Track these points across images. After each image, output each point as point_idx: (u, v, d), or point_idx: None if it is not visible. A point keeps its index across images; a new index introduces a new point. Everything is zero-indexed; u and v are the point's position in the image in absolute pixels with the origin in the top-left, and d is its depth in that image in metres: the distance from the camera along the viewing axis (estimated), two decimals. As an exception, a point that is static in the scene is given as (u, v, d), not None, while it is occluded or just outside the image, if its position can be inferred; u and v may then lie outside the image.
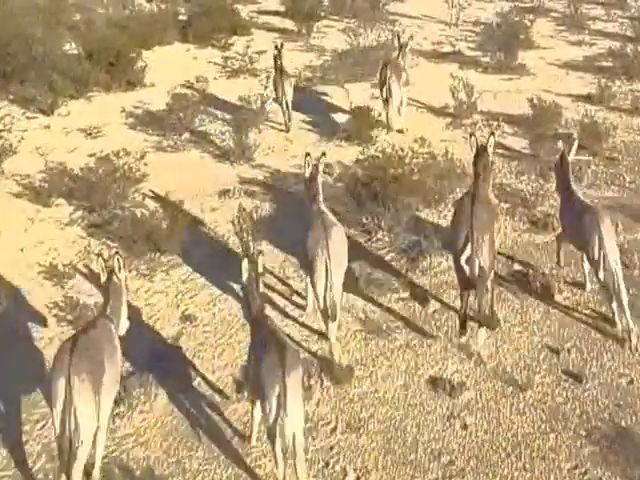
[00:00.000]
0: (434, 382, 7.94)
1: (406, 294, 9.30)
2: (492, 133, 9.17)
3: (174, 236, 10.01)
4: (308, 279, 8.54)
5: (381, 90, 13.41)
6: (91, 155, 11.78)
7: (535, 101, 14.16)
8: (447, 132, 13.77)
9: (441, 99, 14.80)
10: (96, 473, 6.66)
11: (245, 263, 7.15)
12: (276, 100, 13.75)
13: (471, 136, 8.93)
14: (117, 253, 7.31)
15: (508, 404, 7.69)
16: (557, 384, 7.94)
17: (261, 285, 7.18)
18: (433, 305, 9.11)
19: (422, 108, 14.76)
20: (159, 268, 9.72)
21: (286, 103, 13.50)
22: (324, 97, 15.20)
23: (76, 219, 10.79)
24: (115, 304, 7.05)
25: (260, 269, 7.15)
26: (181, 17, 20.27)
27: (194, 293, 9.30)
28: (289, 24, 19.91)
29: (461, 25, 20.22)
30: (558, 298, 9.17)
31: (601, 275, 8.39)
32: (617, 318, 8.53)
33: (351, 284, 9.42)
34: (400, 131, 13.49)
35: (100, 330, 6.75)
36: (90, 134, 13.46)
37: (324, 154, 9.19)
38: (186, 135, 13.37)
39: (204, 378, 8.00)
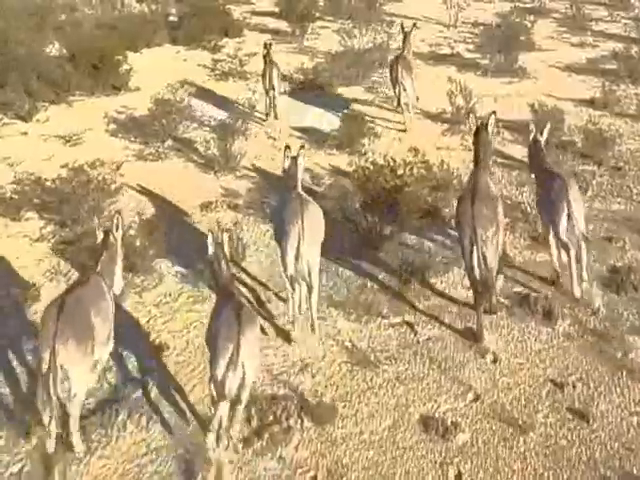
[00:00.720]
0: (426, 422, 7.07)
1: (397, 319, 8.43)
2: (493, 112, 8.63)
3: (149, 255, 9.18)
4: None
5: (394, 86, 13.21)
6: (64, 166, 10.88)
7: (536, 106, 13.31)
8: (444, 139, 12.92)
9: (438, 104, 13.95)
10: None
11: (210, 238, 7.07)
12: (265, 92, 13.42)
13: (469, 114, 8.73)
14: (118, 212, 7.30)
15: (507, 448, 6.81)
16: (561, 424, 7.06)
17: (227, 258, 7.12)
18: (426, 332, 8.26)
19: (418, 113, 13.90)
20: (131, 290, 8.86)
21: (272, 92, 13.23)
22: (316, 101, 14.34)
23: (46, 235, 9.95)
24: (109, 263, 7.05)
25: (226, 246, 7.13)
26: (172, 18, 19.44)
27: (167, 318, 8.45)
28: (283, 25, 19.08)
29: (460, 26, 19.38)
30: (562, 324, 8.32)
31: (564, 236, 8.40)
32: (575, 284, 8.47)
33: (338, 306, 8.62)
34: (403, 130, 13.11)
35: (91, 287, 6.74)
36: (68, 141, 12.61)
37: (303, 147, 8.80)
38: (169, 143, 12.52)
39: (174, 416, 7.16)
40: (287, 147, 8.66)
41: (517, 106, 14.12)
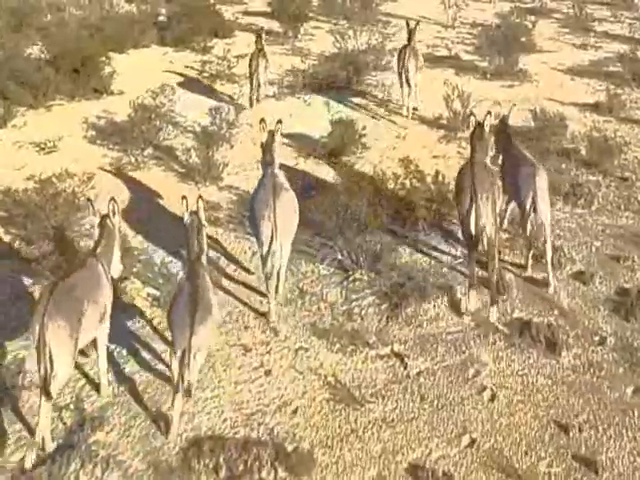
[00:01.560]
0: (415, 472, 6.20)
1: (386, 350, 7.57)
2: (489, 112, 8.78)
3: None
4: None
5: (400, 75, 12.98)
6: (33, 176, 10.03)
7: (538, 112, 12.45)
8: (440, 146, 12.04)
9: (435, 108, 13.10)
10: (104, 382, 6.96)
11: (185, 204, 7.05)
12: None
13: (470, 115, 8.84)
14: (112, 199, 7.25)
15: (506, 505, 6.01)
16: (566, 474, 6.22)
17: (204, 234, 7.14)
18: (417, 365, 7.40)
19: (414, 119, 13.04)
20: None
21: (257, 81, 13.15)
22: (305, 106, 13.48)
23: (9, 253, 9.10)
24: (107, 247, 7.07)
25: (203, 220, 7.12)
26: (161, 18, 18.56)
27: (132, 351, 7.60)
28: (275, 25, 18.17)
29: (458, 27, 18.50)
30: (566, 355, 7.47)
31: (530, 221, 8.38)
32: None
33: (321, 336, 7.77)
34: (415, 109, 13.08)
35: (87, 270, 6.80)
36: (43, 149, 11.73)
37: (280, 121, 8.50)
38: (149, 150, 11.66)
39: (135, 463, 6.32)
40: (262, 120, 8.43)
41: (518, 110, 13.22)
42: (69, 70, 13.93)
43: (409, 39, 13.05)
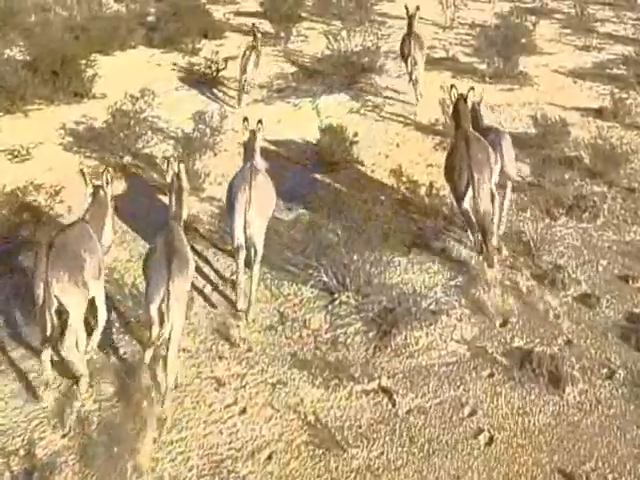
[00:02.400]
0: (402, 532, 5.49)
1: (372, 385, 6.79)
2: (472, 88, 9.06)
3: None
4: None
5: (405, 62, 12.81)
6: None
7: (539, 117, 11.65)
8: (436, 154, 11.19)
9: (431, 113, 12.31)
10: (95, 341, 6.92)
11: (166, 166, 7.38)
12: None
13: (452, 88, 8.96)
14: (106, 168, 7.44)
15: None
16: (573, 534, 5.49)
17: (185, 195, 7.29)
18: (407, 402, 6.62)
19: (409, 124, 12.25)
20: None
21: (245, 77, 12.92)
22: (295, 111, 12.68)
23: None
24: (98, 215, 7.15)
25: (184, 182, 7.31)
26: (150, 18, 17.76)
27: (91, 386, 6.83)
28: (268, 26, 17.34)
29: (456, 28, 17.64)
30: (571, 391, 6.69)
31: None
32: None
33: (302, 368, 6.99)
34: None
35: (78, 229, 6.87)
36: (16, 156, 10.96)
37: (261, 121, 8.53)
38: (127, 159, 10.88)
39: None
40: (245, 119, 8.51)
41: (517, 116, 12.49)
42: (48, 73, 13.13)
43: (410, 25, 12.86)
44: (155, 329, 6.28)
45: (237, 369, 6.97)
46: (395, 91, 13.49)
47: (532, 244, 8.61)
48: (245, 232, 7.56)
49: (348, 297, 7.82)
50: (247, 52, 13.04)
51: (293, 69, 14.50)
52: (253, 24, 14.04)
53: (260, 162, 8.29)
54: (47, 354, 6.43)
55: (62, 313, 6.38)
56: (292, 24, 16.90)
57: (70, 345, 6.43)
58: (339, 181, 9.90)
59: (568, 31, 17.57)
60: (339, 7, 18.32)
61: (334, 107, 12.72)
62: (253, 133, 8.45)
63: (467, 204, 7.98)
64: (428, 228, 8.68)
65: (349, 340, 7.32)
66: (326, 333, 7.42)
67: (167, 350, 6.28)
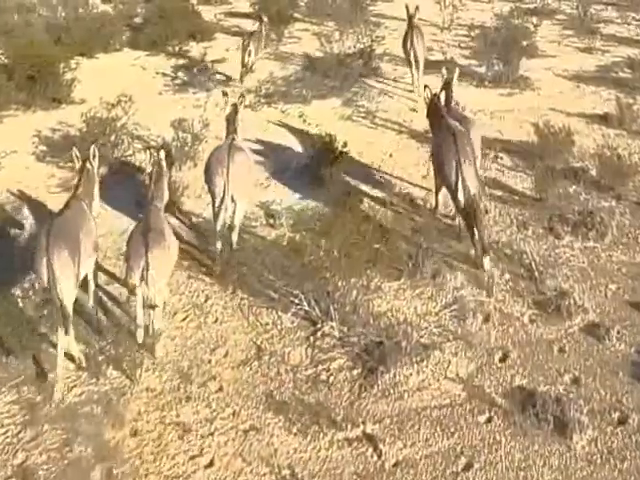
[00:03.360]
0: None
1: (356, 432, 5.98)
2: (450, 78, 9.48)
3: (38, 332, 6.79)
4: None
5: (407, 55, 12.63)
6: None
7: (541, 125, 10.83)
8: (431, 165, 10.42)
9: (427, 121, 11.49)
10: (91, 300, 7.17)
11: (148, 155, 7.68)
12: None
13: (426, 87, 9.20)
14: (94, 142, 8.00)
15: None
16: None
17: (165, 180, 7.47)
18: (394, 453, 5.81)
19: (404, 132, 11.43)
20: (6, 383, 6.47)
21: (249, 58, 13.16)
22: (283, 119, 11.85)
23: None
24: (88, 187, 7.37)
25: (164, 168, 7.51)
26: (137, 19, 16.97)
27: (47, 429, 6.04)
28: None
29: (455, 29, 16.78)
30: (579, 439, 5.88)
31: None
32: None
33: (278, 411, 6.19)
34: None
35: (74, 208, 7.04)
36: (-16, 167, 10.21)
37: (243, 95, 8.85)
38: (102, 170, 10.05)
39: None
40: (225, 94, 8.79)
41: (518, 123, 11.65)
42: (25, 77, 12.36)
43: (410, 23, 12.67)
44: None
45: (205, 412, 6.17)
46: (390, 96, 12.69)
47: (534, 267, 7.79)
48: (224, 210, 7.76)
49: (332, 328, 7.02)
50: (256, 35, 13.38)
51: (283, 72, 13.69)
52: (259, 13, 14.60)
53: (241, 137, 8.46)
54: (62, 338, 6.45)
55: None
56: (284, 25, 16.09)
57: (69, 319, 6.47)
58: (326, 195, 9.07)
59: (570, 32, 16.70)
60: (333, 7, 17.48)
61: (325, 113, 11.91)
62: (235, 107, 8.52)
63: (460, 196, 7.93)
64: (421, 249, 7.85)
65: (331, 378, 6.52)
66: (306, 370, 6.62)
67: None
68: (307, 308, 7.09)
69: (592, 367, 6.62)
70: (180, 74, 13.73)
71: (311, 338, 6.97)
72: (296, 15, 17.55)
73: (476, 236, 7.89)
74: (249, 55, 13.18)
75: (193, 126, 10.73)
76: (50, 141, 11.06)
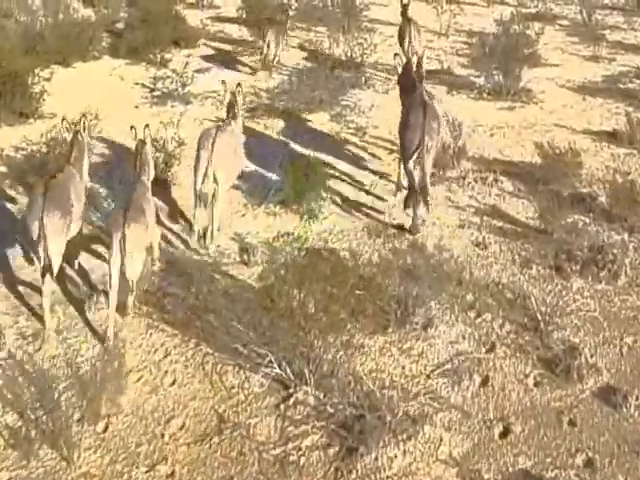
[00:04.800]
0: None
1: (330, 531, 5.00)
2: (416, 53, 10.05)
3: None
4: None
5: (402, 45, 12.26)
6: None
7: (545, 145, 9.78)
8: (425, 189, 9.36)
9: (421, 137, 10.42)
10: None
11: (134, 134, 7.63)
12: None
13: (396, 55, 9.35)
14: (84, 115, 7.94)
15: None
16: None
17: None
18: None
19: (396, 151, 10.28)
20: None
21: (267, 50, 13.03)
22: (265, 136, 10.77)
23: None
24: (79, 157, 7.59)
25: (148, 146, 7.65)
26: (119, 25, 15.86)
27: None
28: (246, 34, 15.42)
29: (452, 35, 15.68)
30: None
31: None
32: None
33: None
34: None
35: (67, 174, 7.32)
36: (-64, 192, 9.16)
37: (240, 84, 8.85)
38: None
39: None
40: (223, 82, 9.04)
41: (520, 141, 10.59)
42: (-12, 90, 11.31)
43: (404, 14, 12.51)
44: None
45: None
46: (381, 110, 11.58)
47: (540, 315, 6.74)
48: (205, 187, 7.84)
49: (306, 394, 5.98)
50: (268, 27, 13.13)
51: (268, 84, 12.60)
52: (286, 10, 14.57)
53: (239, 126, 8.61)
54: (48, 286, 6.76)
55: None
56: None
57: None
58: (303, 233, 8.04)
59: (574, 39, 15.58)
60: (325, 11, 16.36)
61: (312, 130, 10.84)
62: (233, 95, 8.61)
63: (412, 164, 8.07)
64: (411, 295, 6.79)
65: (303, 459, 5.47)
66: (275, 448, 5.58)
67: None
68: (278, 370, 6.04)
69: (608, 444, 5.58)
70: (160, 85, 12.64)
71: (282, 406, 5.93)
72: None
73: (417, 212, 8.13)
74: (268, 47, 12.99)
75: (168, 144, 9.69)
76: (12, 161, 9.96)
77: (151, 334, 6.76)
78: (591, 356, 6.39)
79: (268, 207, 8.80)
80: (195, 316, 6.91)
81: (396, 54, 9.40)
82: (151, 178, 7.56)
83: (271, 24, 13.29)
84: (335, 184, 9.18)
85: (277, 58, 13.26)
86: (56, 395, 5.78)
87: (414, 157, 8.02)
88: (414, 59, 9.14)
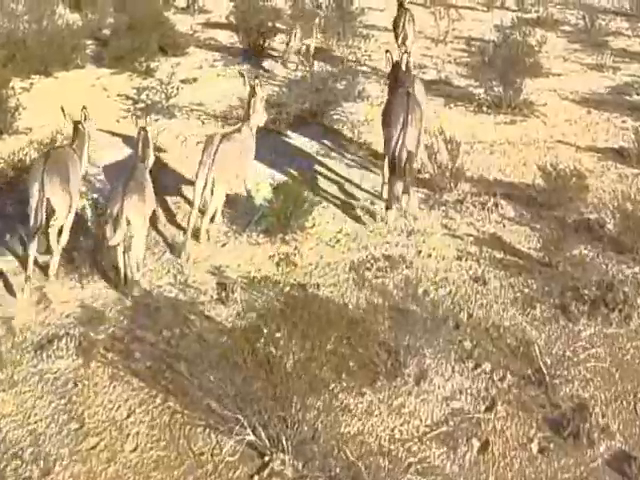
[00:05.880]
0: None
1: None
2: (405, 51, 9.88)
3: None
4: None
5: (396, 35, 12.27)
6: None
7: (548, 165, 9.05)
8: (420, 214, 8.59)
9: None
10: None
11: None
12: None
13: (387, 52, 9.31)
14: (84, 107, 8.10)
15: None
16: None
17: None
18: None
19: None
20: None
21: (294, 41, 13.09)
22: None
23: None
24: (80, 145, 7.95)
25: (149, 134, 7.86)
26: (105, 31, 15.10)
27: None
28: (236, 40, 14.65)
29: (450, 42, 14.89)
30: None
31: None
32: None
33: None
34: None
35: (67, 151, 7.76)
36: None
37: (257, 77, 8.95)
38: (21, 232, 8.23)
39: None
40: (242, 74, 9.09)
41: (522, 160, 9.85)
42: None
43: (401, 4, 12.34)
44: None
45: None
46: (374, 125, 10.79)
47: (545, 368, 6.02)
48: (202, 193, 7.80)
49: (283, 463, 5.25)
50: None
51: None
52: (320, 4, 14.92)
53: (259, 117, 8.64)
54: (34, 247, 7.16)
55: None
56: (264, 38, 14.22)
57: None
58: (287, 266, 7.33)
59: (577, 46, 14.82)
60: (319, 17, 15.55)
61: (299, 149, 10.10)
62: (253, 88, 8.53)
63: (393, 148, 8.16)
64: (402, 345, 6.06)
65: None
66: (246, 530, 4.88)
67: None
68: (251, 437, 5.32)
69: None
70: (143, 97, 11.88)
71: (255, 478, 5.21)
72: (278, 25, 15.65)
73: (394, 188, 8.18)
74: (294, 37, 13.12)
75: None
76: (-23, 182, 9.27)
77: (115, 387, 6.03)
78: (602, 416, 5.67)
79: (251, 235, 8.08)
80: (165, 365, 6.19)
81: (387, 51, 9.42)
82: (150, 165, 7.73)
83: (300, 18, 13.68)
84: (323, 211, 8.44)
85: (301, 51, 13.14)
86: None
87: (397, 143, 8.12)
88: (404, 57, 9.07)
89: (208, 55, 14.05)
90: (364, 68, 12.83)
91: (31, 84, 12.34)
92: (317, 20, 13.86)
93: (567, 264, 7.48)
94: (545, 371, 6.00)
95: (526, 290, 7.19)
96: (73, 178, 7.45)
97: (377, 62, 13.13)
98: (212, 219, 8.13)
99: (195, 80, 12.74)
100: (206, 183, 7.76)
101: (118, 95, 12.23)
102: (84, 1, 16.89)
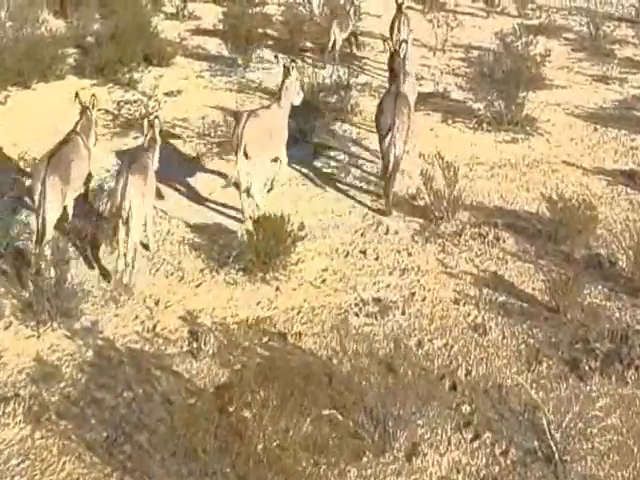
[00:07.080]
0: None
1: None
2: (404, 40, 9.49)
3: None
4: None
5: (391, 35, 12.00)
6: None
7: (553, 193, 8.25)
8: (413, 249, 7.76)
9: (411, 182, 8.86)
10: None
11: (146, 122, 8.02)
12: None
13: (384, 42, 9.68)
14: (93, 95, 8.51)
15: None
16: None
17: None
18: None
19: (380, 202, 8.68)
20: None
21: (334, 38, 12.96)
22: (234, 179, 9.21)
23: None
24: (86, 127, 8.16)
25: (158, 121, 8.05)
26: (89, 39, 14.26)
27: None
28: (224, 50, 13.79)
29: (449, 51, 14.05)
30: None
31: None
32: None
33: None
34: None
35: (72, 144, 7.79)
36: None
37: (294, 60, 8.82)
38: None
39: None
40: (276, 56, 9.42)
41: (524, 186, 9.02)
42: None
43: (399, 8, 12.49)
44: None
45: None
46: (366, 145, 10.00)
47: (554, 444, 5.21)
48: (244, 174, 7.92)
49: None
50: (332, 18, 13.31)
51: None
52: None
53: (292, 97, 8.52)
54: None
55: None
56: (253, 48, 13.37)
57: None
58: (272, 310, 6.53)
59: (581, 55, 13.96)
60: (310, 25, 14.71)
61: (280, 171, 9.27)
62: (287, 70, 8.42)
63: (386, 144, 8.28)
64: (391, 415, 5.25)
65: None
66: None
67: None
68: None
69: None
70: (124, 111, 11.07)
71: None
72: (269, 32, 14.82)
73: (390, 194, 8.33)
74: (334, 34, 12.94)
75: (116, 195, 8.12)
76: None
77: (64, 464, 5.21)
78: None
79: (229, 273, 7.27)
80: (124, 435, 5.39)
81: (384, 40, 9.87)
82: (156, 155, 7.77)
83: (336, 15, 13.45)
84: (308, 245, 7.63)
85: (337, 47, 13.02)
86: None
87: (388, 138, 8.23)
88: (403, 46, 9.10)
89: (195, 65, 13.23)
90: (357, 79, 11.97)
91: (7, 97, 11.55)
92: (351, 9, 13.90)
93: (576, 309, 6.67)
94: (554, 445, 5.19)
95: (531, 341, 6.38)
96: (75, 176, 7.59)
97: (370, 75, 12.44)
98: (269, 190, 8.33)
99: (179, 92, 11.93)
100: (243, 163, 7.83)
101: (98, 110, 11.38)
102: (70, 6, 16.08)
